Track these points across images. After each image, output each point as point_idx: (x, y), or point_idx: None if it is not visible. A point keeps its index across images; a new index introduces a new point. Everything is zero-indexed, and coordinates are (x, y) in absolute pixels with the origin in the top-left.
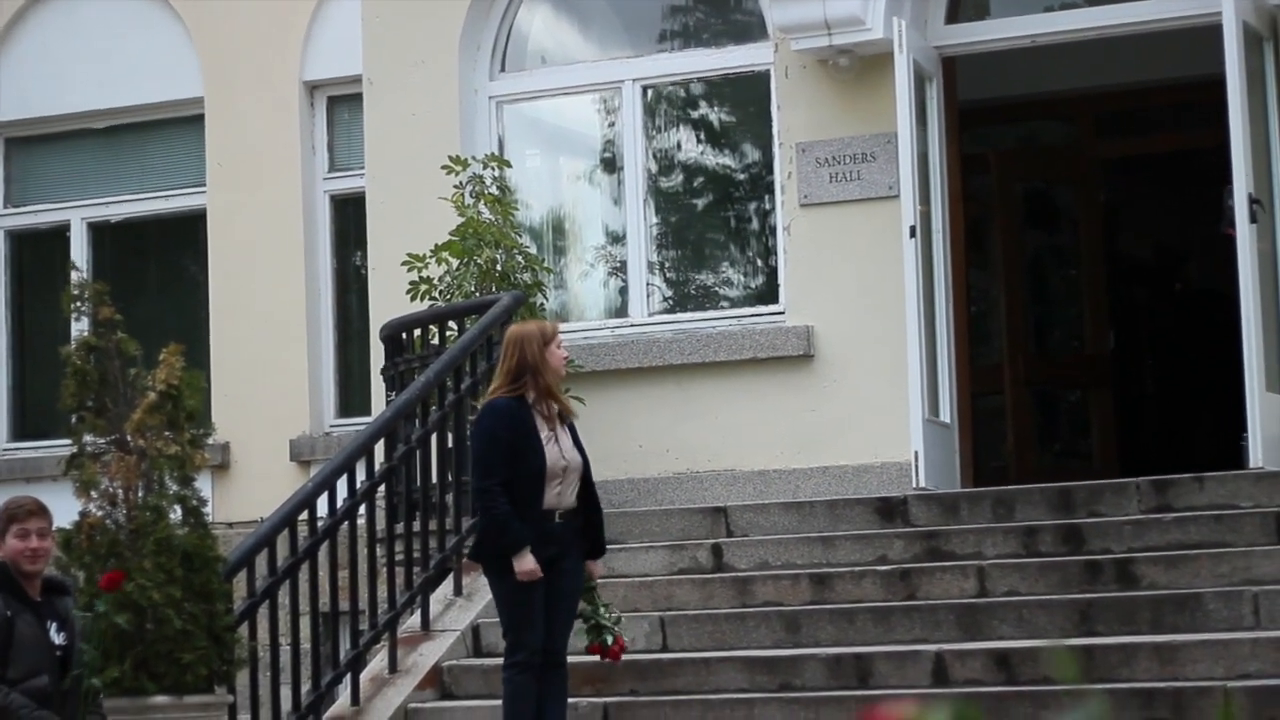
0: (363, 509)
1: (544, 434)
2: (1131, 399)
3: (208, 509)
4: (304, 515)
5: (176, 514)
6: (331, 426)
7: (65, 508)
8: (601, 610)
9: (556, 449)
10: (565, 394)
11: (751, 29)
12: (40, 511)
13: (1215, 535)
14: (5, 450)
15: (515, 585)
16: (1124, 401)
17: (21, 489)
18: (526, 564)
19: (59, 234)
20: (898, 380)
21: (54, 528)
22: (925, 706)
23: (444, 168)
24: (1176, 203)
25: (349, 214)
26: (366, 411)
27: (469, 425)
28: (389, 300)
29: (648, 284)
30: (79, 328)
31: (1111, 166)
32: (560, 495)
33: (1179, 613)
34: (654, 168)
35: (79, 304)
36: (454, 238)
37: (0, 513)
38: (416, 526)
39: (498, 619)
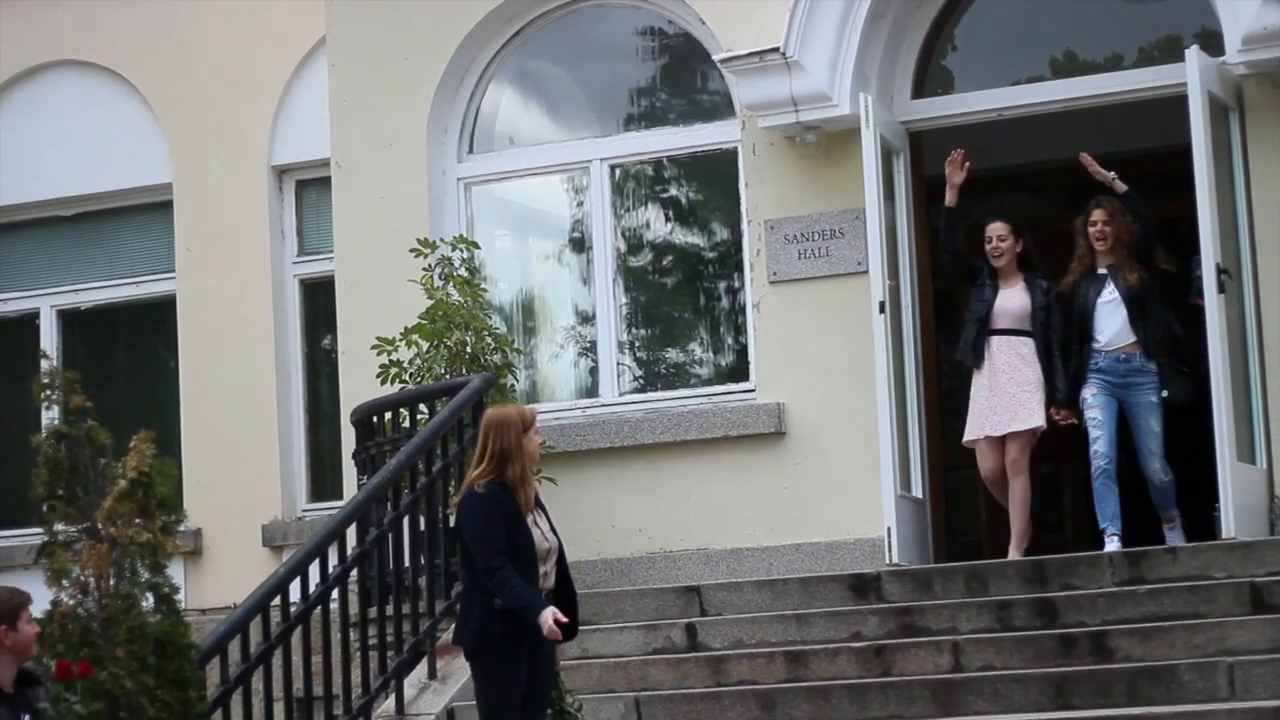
0: (336, 593)
1: (527, 519)
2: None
3: (180, 596)
4: (277, 601)
5: (149, 601)
6: (304, 511)
7: (38, 596)
8: (566, 697)
9: (539, 532)
10: (539, 474)
11: (718, 107)
12: None
13: (1189, 607)
14: None
15: (500, 675)
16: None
17: None
18: (551, 616)
19: (29, 322)
20: (869, 456)
21: None
22: None
23: (412, 250)
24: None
25: (319, 297)
26: (339, 495)
27: (441, 509)
28: (360, 383)
29: (618, 363)
30: (50, 416)
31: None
32: (545, 578)
33: (1155, 685)
34: (623, 247)
35: (49, 392)
36: (423, 320)
37: (4, 602)
38: (390, 610)
39: (473, 702)
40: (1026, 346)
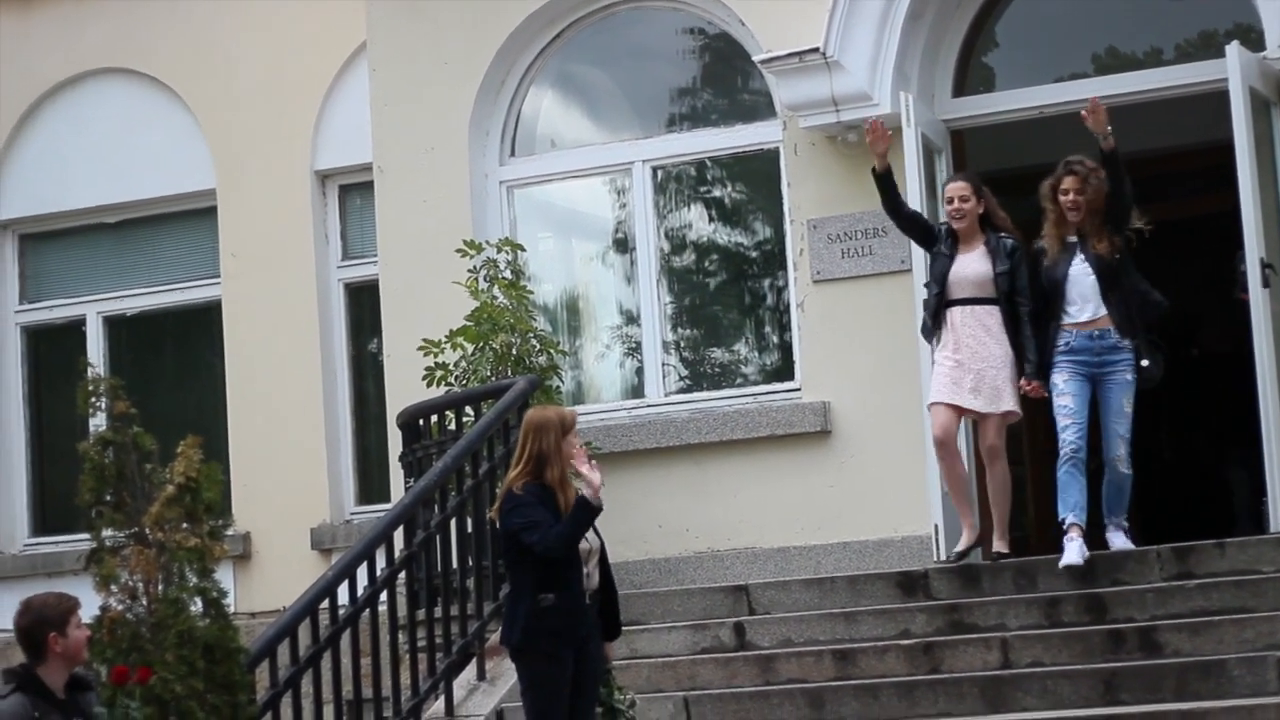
0: (384, 596)
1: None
2: (1150, 465)
3: (229, 600)
4: (325, 604)
5: (197, 606)
6: (352, 514)
7: (87, 602)
8: (616, 694)
9: None
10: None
11: (759, 108)
12: None
13: (1238, 601)
14: (26, 545)
15: (546, 673)
16: (1143, 467)
17: (44, 584)
18: (596, 479)
19: (75, 329)
20: (915, 454)
21: None
22: None
23: (458, 251)
24: (1190, 268)
25: (363, 301)
26: (386, 498)
27: (488, 510)
28: (405, 387)
29: (663, 364)
30: (96, 423)
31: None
32: (589, 578)
33: (1204, 680)
34: (666, 247)
35: (94, 399)
36: (468, 323)
37: (51, 608)
38: (438, 612)
39: (521, 704)
40: (992, 317)
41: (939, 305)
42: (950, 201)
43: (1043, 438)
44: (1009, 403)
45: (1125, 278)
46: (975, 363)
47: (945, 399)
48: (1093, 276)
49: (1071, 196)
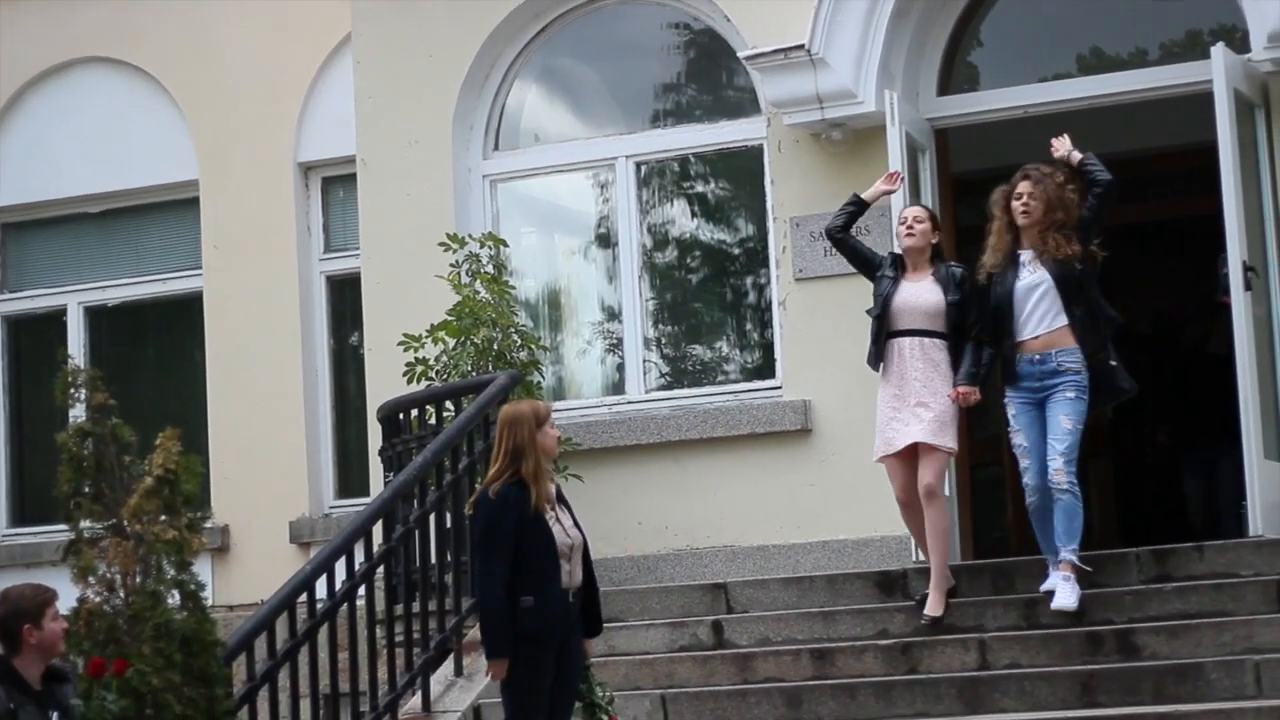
0: (362, 590)
1: (547, 514)
2: (1131, 467)
3: (207, 593)
4: (303, 598)
5: (175, 598)
6: (331, 508)
7: (65, 593)
8: (597, 689)
9: (560, 528)
10: (564, 471)
11: (744, 104)
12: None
13: (1216, 604)
14: (5, 536)
15: (525, 673)
16: (1123, 470)
17: (22, 575)
18: (499, 672)
19: (55, 319)
20: None
21: None
22: None
23: (441, 244)
24: (1174, 269)
25: (345, 294)
26: (366, 492)
27: (467, 508)
28: (386, 381)
29: (644, 360)
30: (75, 414)
31: (1108, 234)
32: (570, 574)
33: (1181, 683)
34: (649, 243)
35: (74, 390)
36: (450, 317)
37: (27, 600)
38: (416, 607)
39: (499, 700)
40: (940, 352)
41: (880, 331)
42: (904, 221)
43: None
44: (949, 439)
45: (1089, 290)
46: (924, 396)
47: (892, 450)
48: (1044, 288)
49: (1025, 200)
